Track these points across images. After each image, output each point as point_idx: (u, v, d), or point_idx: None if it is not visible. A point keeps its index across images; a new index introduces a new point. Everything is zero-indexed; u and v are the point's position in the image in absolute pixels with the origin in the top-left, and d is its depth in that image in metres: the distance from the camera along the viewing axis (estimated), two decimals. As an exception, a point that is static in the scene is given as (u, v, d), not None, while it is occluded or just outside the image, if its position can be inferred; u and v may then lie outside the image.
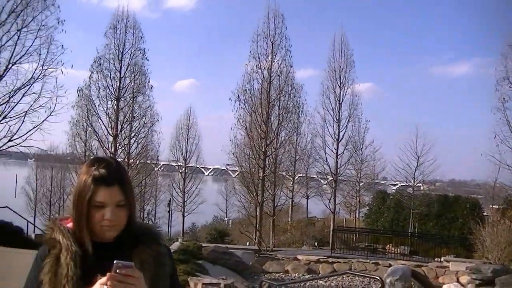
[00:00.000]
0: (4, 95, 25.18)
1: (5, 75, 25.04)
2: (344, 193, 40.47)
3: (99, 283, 1.88)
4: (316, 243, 33.52)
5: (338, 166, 35.69)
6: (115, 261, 1.86)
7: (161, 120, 34.35)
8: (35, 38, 25.26)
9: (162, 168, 62.42)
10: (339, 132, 35.50)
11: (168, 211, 47.11)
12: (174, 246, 21.74)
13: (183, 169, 48.39)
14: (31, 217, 41.96)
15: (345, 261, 22.54)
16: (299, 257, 23.15)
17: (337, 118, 35.51)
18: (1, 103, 25.11)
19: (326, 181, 42.10)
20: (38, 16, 25.24)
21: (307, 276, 21.07)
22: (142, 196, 37.21)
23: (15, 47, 25.16)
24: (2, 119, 24.98)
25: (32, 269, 2.15)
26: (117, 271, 1.84)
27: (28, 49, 25.24)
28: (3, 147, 25.24)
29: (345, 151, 35.90)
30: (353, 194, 41.76)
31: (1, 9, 24.87)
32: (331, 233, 31.42)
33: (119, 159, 30.10)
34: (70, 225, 2.17)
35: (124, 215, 2.11)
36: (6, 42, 25.16)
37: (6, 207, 17.41)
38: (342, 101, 35.56)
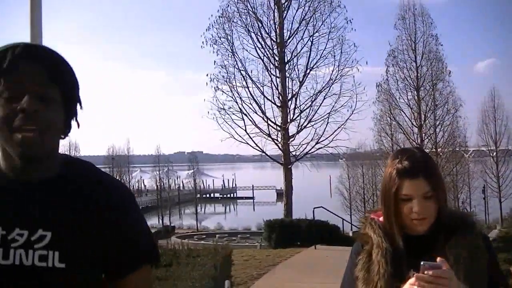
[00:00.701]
0: (307, 100, 26.46)
1: (304, 81, 26.31)
2: None
3: (408, 283, 1.82)
4: None
5: None
6: (422, 263, 1.78)
7: (464, 105, 32.94)
8: (327, 41, 26.23)
9: (472, 155, 60.07)
10: None
11: (484, 198, 44.89)
12: (493, 234, 20.56)
13: (494, 153, 45.90)
14: (347, 215, 43.25)
15: None
16: None
17: None
18: (305, 108, 26.38)
19: None
20: (327, 19, 26.20)
21: None
22: (454, 185, 35.89)
23: (310, 53, 26.34)
24: (308, 123, 26.21)
25: (348, 265, 2.18)
26: (425, 272, 1.75)
27: (322, 53, 26.28)
28: (312, 150, 26.43)
29: None
30: None
31: (292, 19, 26.24)
32: None
33: (426, 150, 29.48)
34: (382, 219, 2.14)
35: (433, 207, 2.01)
36: (301, 49, 26.51)
37: (321, 207, 17.91)
38: None
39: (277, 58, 26.50)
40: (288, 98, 26.45)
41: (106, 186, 1.67)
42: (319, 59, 26.38)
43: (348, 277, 2.14)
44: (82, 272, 1.54)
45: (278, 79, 26.57)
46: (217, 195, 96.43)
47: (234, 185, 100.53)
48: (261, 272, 13.05)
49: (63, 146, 54.45)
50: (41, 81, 1.49)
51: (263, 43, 26.50)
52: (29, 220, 1.52)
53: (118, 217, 1.63)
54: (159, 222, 57.82)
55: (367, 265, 2.04)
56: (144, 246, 1.70)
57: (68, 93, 1.57)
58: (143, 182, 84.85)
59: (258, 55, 26.54)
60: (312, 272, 12.70)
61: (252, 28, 26.50)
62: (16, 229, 1.50)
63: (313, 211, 18.19)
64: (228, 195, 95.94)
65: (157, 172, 66.84)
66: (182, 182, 79.55)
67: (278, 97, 26.52)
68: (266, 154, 27.46)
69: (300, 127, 26.37)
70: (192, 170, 72.40)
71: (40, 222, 1.52)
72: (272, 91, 26.57)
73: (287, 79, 26.54)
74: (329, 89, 26.30)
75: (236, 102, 26.59)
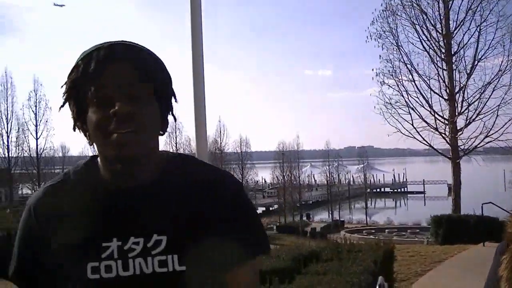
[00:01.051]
0: (475, 92, 25.61)
1: (472, 72, 25.49)
2: None
3: None
4: None
5: None
6: None
7: None
8: (495, 31, 25.20)
9: None
10: None
11: None
12: None
13: None
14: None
15: None
16: None
17: None
18: (473, 100, 25.56)
19: None
20: (495, 8, 25.10)
21: None
22: None
23: (477, 44, 25.46)
24: (476, 116, 25.36)
25: (492, 264, 2.11)
26: None
27: (490, 43, 25.26)
28: (481, 144, 25.54)
29: None
30: None
31: (458, 9, 25.51)
32: None
33: None
34: None
35: None
36: (468, 40, 25.68)
37: (490, 202, 17.34)
38: None
39: (443, 50, 25.94)
40: (456, 90, 25.80)
41: (211, 180, 1.60)
42: (487, 49, 25.44)
43: (492, 277, 2.06)
44: (202, 272, 1.51)
45: (445, 72, 26.00)
46: (387, 189, 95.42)
47: (404, 180, 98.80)
48: (426, 268, 13.06)
49: (235, 142, 56.81)
50: (130, 81, 1.44)
51: (428, 35, 26.10)
52: (141, 227, 1.49)
53: (227, 210, 1.56)
54: (328, 216, 58.56)
55: (511, 264, 1.95)
56: (255, 237, 1.62)
57: (160, 88, 1.52)
58: (313, 176, 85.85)
59: (424, 47, 26.21)
60: (478, 271, 12.42)
61: (417, 20, 26.21)
62: (131, 238, 1.48)
63: (482, 206, 17.70)
64: (399, 190, 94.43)
65: (327, 167, 67.38)
66: (352, 176, 79.58)
67: (445, 90, 25.95)
68: (434, 148, 26.99)
69: (468, 120, 25.61)
70: (362, 165, 72.25)
71: (152, 227, 1.49)
72: (439, 84, 26.11)
73: (454, 71, 25.90)
74: (499, 80, 25.26)
75: (402, 96, 26.53)
